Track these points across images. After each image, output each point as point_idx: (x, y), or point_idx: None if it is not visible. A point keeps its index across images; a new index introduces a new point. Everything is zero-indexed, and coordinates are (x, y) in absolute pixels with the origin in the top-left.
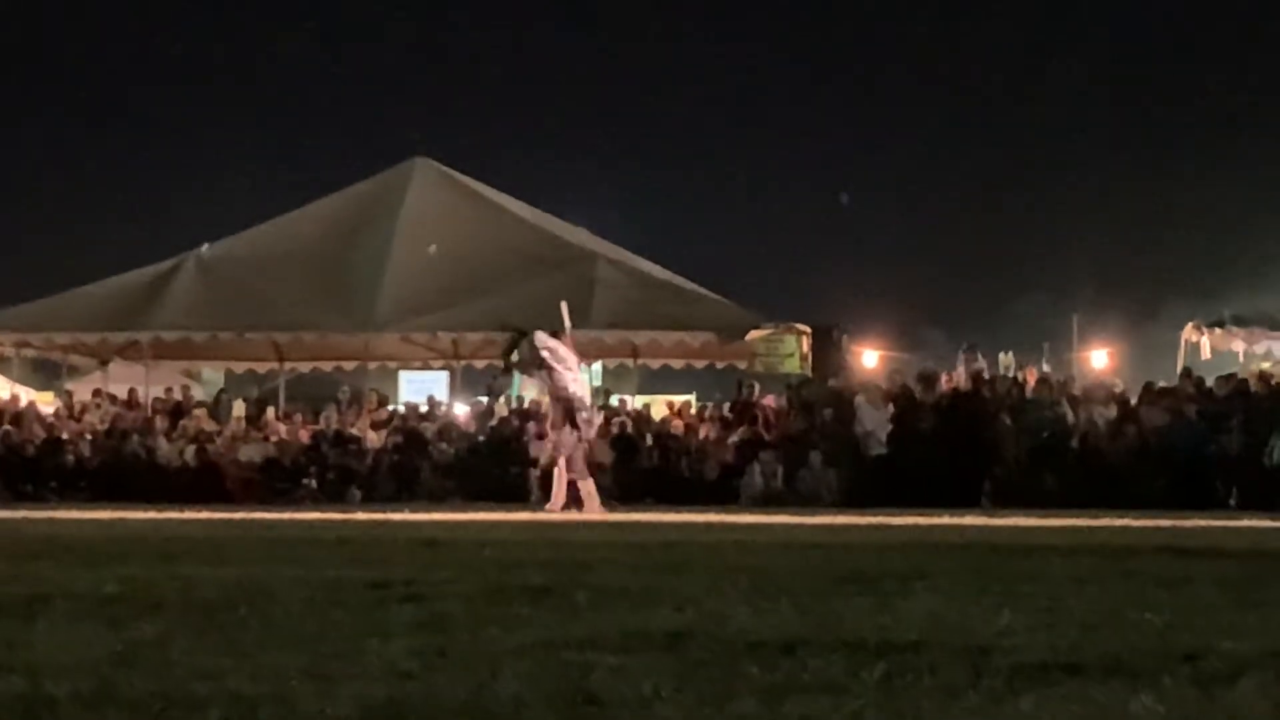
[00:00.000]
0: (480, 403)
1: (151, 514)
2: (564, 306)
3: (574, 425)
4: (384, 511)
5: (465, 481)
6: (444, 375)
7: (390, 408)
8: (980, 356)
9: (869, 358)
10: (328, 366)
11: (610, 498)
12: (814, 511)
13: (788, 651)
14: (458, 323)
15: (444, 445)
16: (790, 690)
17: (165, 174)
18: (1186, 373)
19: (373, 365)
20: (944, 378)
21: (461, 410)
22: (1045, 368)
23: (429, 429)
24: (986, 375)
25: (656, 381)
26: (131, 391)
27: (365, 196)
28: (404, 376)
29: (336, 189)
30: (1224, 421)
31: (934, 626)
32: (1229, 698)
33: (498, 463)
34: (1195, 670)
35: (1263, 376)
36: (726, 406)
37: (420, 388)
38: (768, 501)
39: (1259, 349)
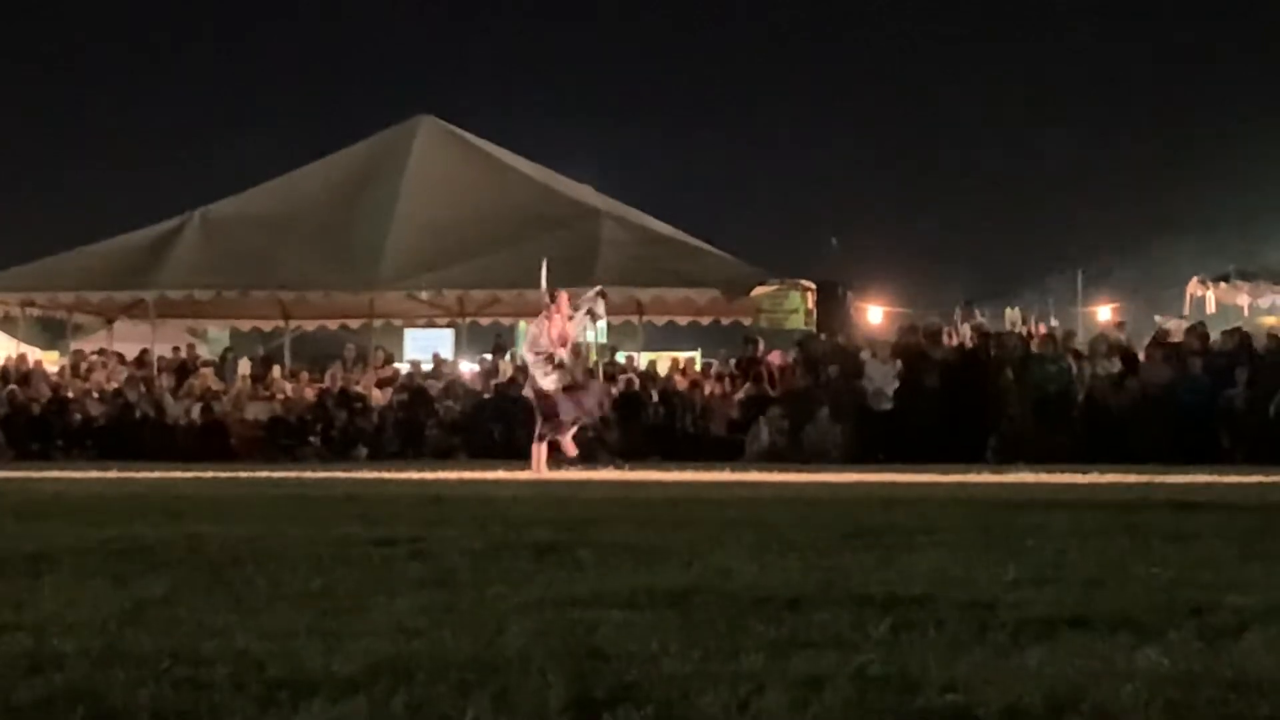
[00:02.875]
0: (486, 360)
1: (158, 472)
2: (544, 265)
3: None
4: (390, 469)
5: (470, 439)
6: (449, 333)
7: (395, 365)
8: (977, 312)
9: (874, 314)
10: (333, 325)
11: (615, 454)
12: (820, 468)
13: (793, 607)
14: (463, 280)
15: (449, 403)
16: (796, 645)
17: (170, 133)
18: (1189, 327)
19: (378, 323)
20: (947, 333)
21: (467, 368)
22: (1052, 323)
23: (434, 386)
24: (987, 330)
25: (662, 338)
26: (143, 351)
27: (369, 155)
28: (409, 334)
29: (341, 147)
30: (1229, 375)
31: (940, 581)
32: (1235, 651)
33: (503, 420)
34: (1201, 624)
35: (1270, 333)
36: (732, 363)
37: (425, 345)
38: (773, 458)
39: (1264, 302)
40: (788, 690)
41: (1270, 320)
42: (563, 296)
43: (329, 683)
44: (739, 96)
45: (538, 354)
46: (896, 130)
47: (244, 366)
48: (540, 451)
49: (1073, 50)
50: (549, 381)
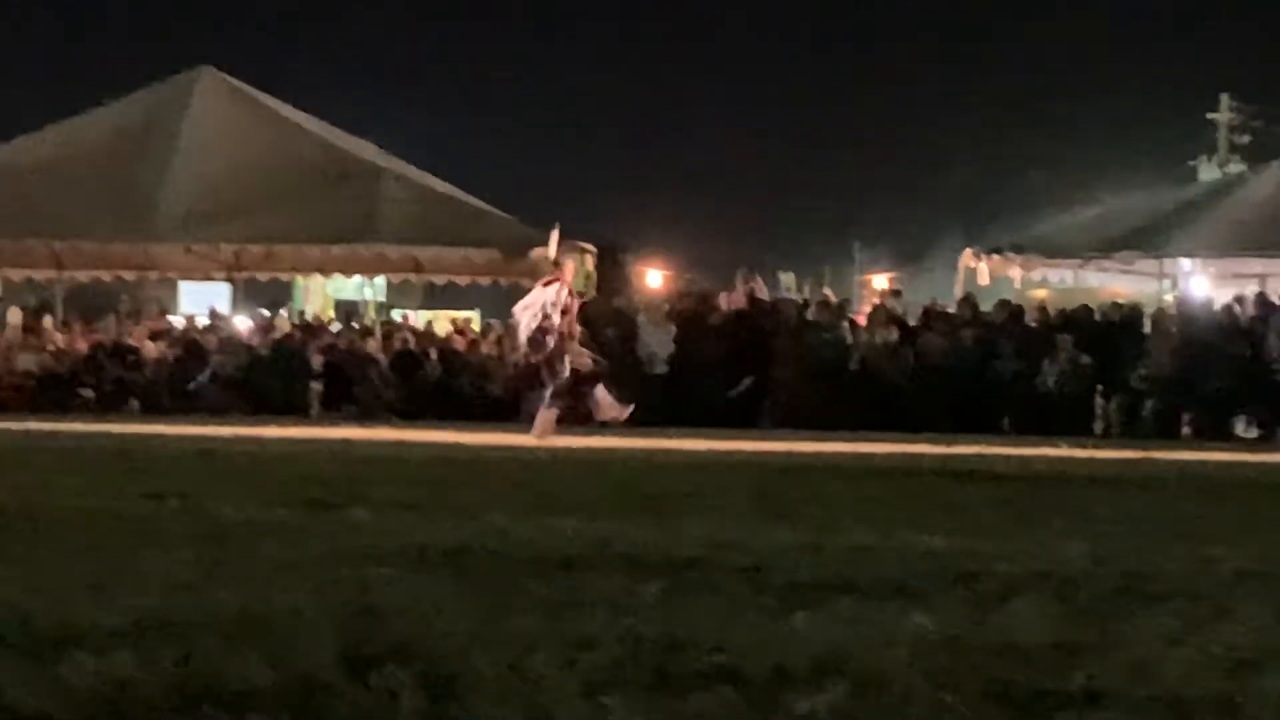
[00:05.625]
0: (262, 315)
1: None
2: (555, 231)
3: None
4: (162, 424)
5: (246, 395)
6: (225, 287)
7: (170, 319)
8: (759, 279)
9: (653, 278)
10: (108, 277)
11: (393, 413)
12: (594, 430)
13: (567, 567)
14: (241, 234)
15: (224, 358)
16: (569, 606)
17: None
18: (961, 298)
19: (153, 276)
20: (723, 299)
21: (243, 323)
22: (826, 291)
23: (210, 341)
24: (764, 297)
25: (441, 298)
26: None
27: (149, 105)
28: (184, 288)
29: (119, 97)
30: (999, 347)
31: (712, 545)
32: (1002, 617)
33: (279, 376)
34: (969, 590)
35: (1040, 306)
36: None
37: (201, 299)
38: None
39: (1035, 275)
40: (559, 650)
41: (1041, 293)
42: (569, 265)
43: (96, 635)
44: (524, 61)
45: (534, 317)
46: (680, 96)
47: (14, 316)
48: (549, 416)
49: (855, 20)
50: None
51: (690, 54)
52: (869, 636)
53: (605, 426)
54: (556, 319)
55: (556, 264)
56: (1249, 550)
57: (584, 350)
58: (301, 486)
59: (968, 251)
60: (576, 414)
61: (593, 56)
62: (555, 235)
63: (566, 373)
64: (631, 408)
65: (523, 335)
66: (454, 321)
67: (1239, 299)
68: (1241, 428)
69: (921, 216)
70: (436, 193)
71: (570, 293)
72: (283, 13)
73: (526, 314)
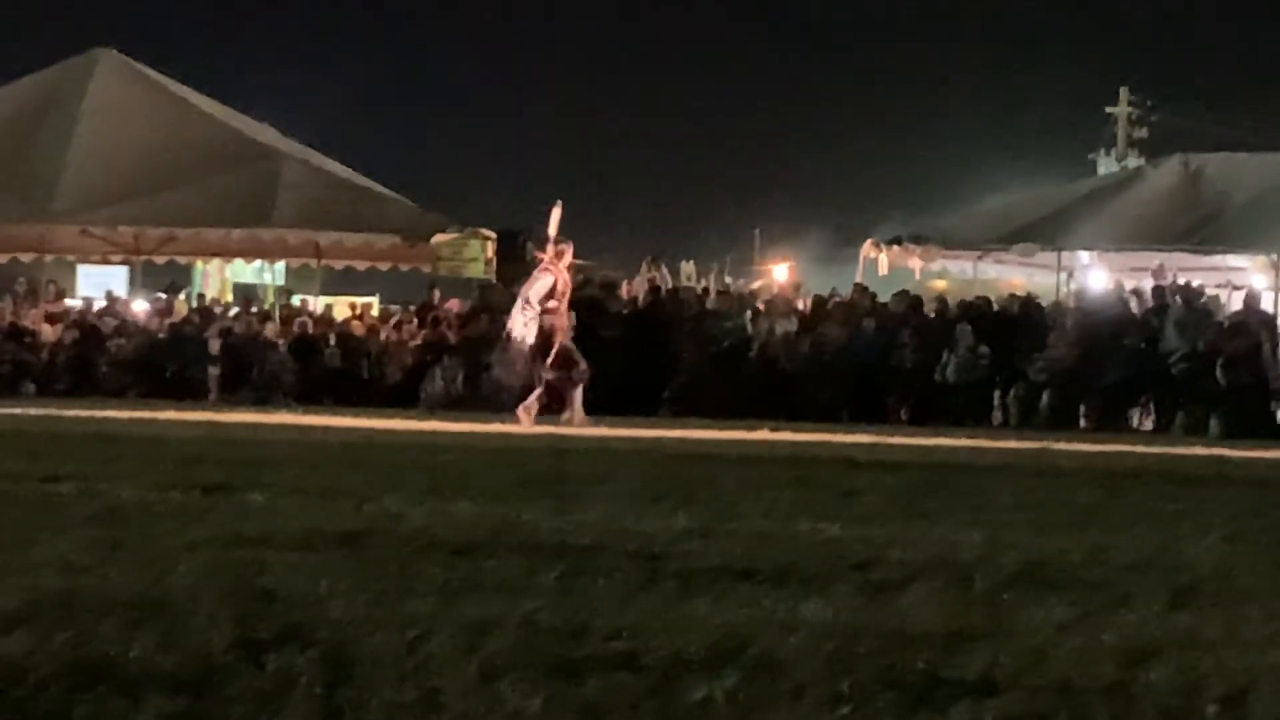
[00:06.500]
0: (160, 299)
1: None
2: (556, 211)
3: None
4: (58, 406)
5: (143, 378)
6: (123, 270)
7: (67, 302)
8: (664, 268)
9: None
10: (4, 259)
11: (290, 398)
12: (495, 416)
13: (465, 552)
14: (139, 217)
15: (122, 341)
16: (466, 590)
17: None
18: (860, 288)
19: (50, 258)
20: (624, 286)
21: (141, 306)
22: (727, 279)
23: (107, 324)
24: (667, 285)
25: (340, 283)
26: None
27: (46, 87)
28: (82, 270)
29: (14, 79)
30: (898, 337)
31: (611, 531)
32: (897, 603)
33: (177, 360)
34: (865, 578)
35: (938, 296)
36: (411, 309)
37: (98, 282)
38: (450, 405)
39: (935, 266)
40: (456, 635)
41: (940, 284)
42: (569, 247)
43: None
44: (425, 48)
45: (532, 303)
46: (579, 84)
47: None
48: (576, 398)
49: (759, 12)
50: (528, 332)
51: (595, 41)
52: (766, 623)
53: (498, 410)
54: (561, 305)
55: (557, 243)
56: (1144, 540)
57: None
58: (199, 470)
59: (868, 242)
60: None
61: (496, 42)
62: (557, 214)
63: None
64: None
65: (520, 327)
66: (353, 306)
67: (1136, 292)
68: (1138, 419)
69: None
70: (336, 177)
71: (568, 274)
72: None
73: (527, 304)
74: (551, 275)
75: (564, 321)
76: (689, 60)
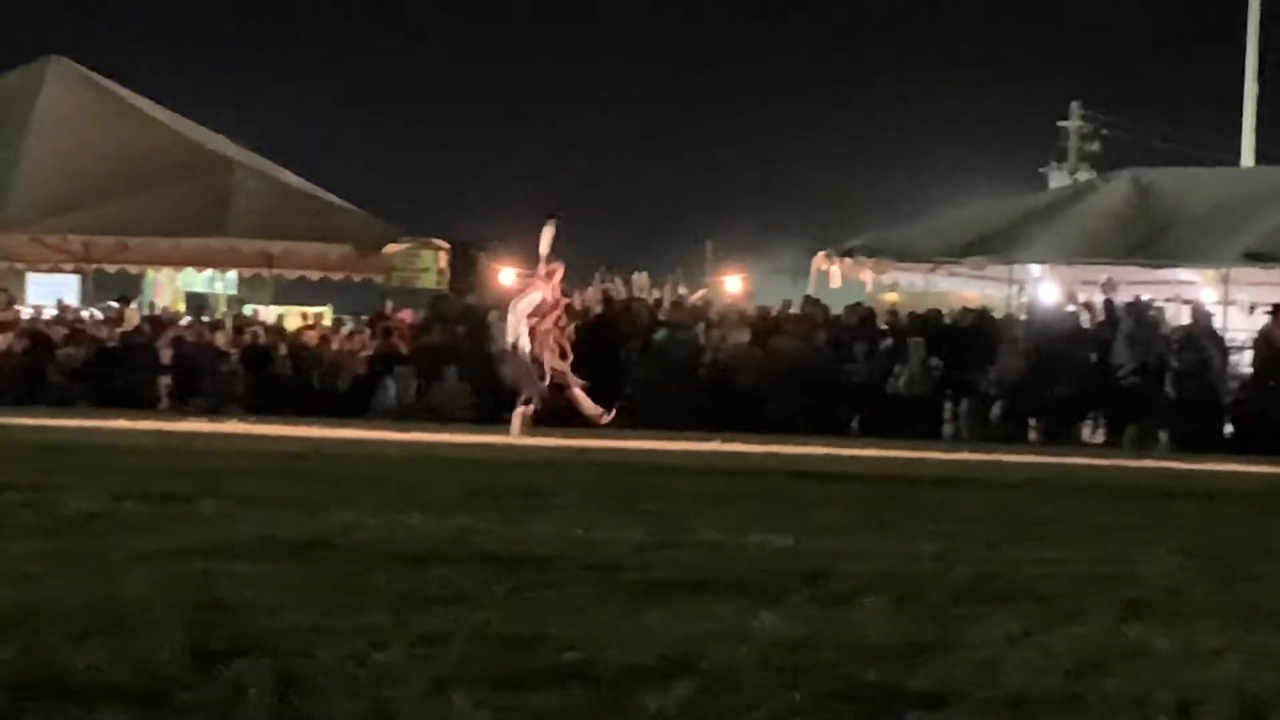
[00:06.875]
0: (111, 308)
1: None
2: (552, 226)
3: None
4: (8, 415)
5: (93, 387)
6: (75, 279)
7: (17, 310)
8: (617, 280)
9: (506, 275)
10: None
11: (243, 408)
12: (447, 427)
13: (418, 563)
14: (90, 226)
15: (72, 350)
16: (419, 601)
17: None
18: (812, 301)
19: (1, 266)
20: (577, 297)
21: (92, 315)
22: (681, 290)
23: (58, 332)
24: (620, 296)
25: (293, 292)
26: None
27: None
28: (32, 279)
29: None
30: (851, 349)
31: (564, 542)
32: (850, 615)
33: (128, 369)
34: (817, 590)
35: (891, 309)
36: (364, 320)
37: (49, 291)
38: (402, 416)
39: (887, 279)
40: (408, 646)
41: (892, 297)
42: (560, 268)
43: None
44: (380, 55)
45: (518, 314)
46: (538, 94)
47: None
48: (519, 417)
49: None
50: (524, 341)
51: (548, 49)
52: (719, 634)
53: (450, 421)
54: (548, 319)
55: (548, 262)
56: (1093, 553)
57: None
58: (150, 480)
59: (820, 254)
60: (556, 412)
61: (450, 50)
62: (549, 230)
63: (547, 373)
64: (613, 413)
65: (510, 336)
66: (305, 316)
67: (1087, 305)
68: (1088, 432)
69: (776, 219)
70: (289, 186)
71: (558, 293)
72: (136, 3)
73: (524, 314)
74: (540, 292)
75: (547, 338)
76: (645, 70)
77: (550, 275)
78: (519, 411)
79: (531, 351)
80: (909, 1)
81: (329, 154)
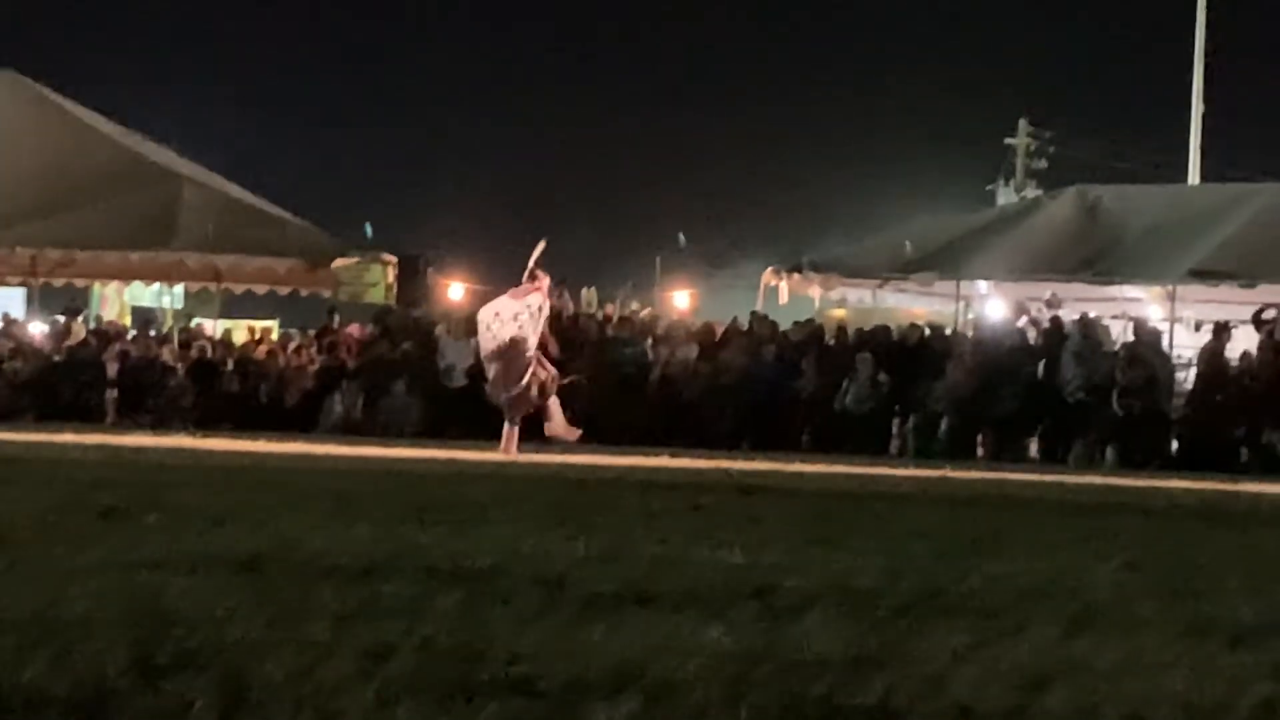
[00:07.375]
0: (57, 322)
1: None
2: (541, 245)
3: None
4: None
5: (39, 400)
6: (20, 292)
7: None
8: (566, 294)
9: (455, 290)
10: None
11: (189, 421)
12: (393, 441)
13: (363, 576)
14: (37, 239)
15: (18, 363)
16: (364, 614)
17: None
18: (760, 316)
19: None
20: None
21: (38, 328)
22: (634, 305)
23: (3, 346)
24: (570, 311)
25: (240, 306)
26: None
27: None
28: None
29: None
30: (798, 364)
31: (510, 555)
32: (796, 630)
33: (74, 382)
34: (763, 604)
35: (839, 325)
36: (311, 334)
37: None
38: (348, 430)
39: (834, 294)
40: (354, 658)
41: (839, 313)
42: (544, 279)
43: None
44: (327, 67)
45: (502, 326)
46: (485, 108)
47: None
48: (512, 433)
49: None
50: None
51: (498, 61)
52: (665, 649)
53: (397, 435)
54: (530, 331)
55: (534, 275)
56: (1040, 568)
57: (547, 364)
58: (95, 493)
59: (768, 270)
60: (527, 427)
61: (400, 62)
62: (540, 247)
63: (525, 385)
64: (580, 432)
65: (488, 345)
66: (252, 330)
67: (1033, 322)
68: (1035, 448)
69: (723, 234)
70: (236, 200)
71: (544, 305)
72: (82, 14)
73: (496, 323)
74: (539, 295)
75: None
76: (590, 85)
77: (538, 286)
78: (509, 431)
79: (516, 362)
80: (855, 19)
81: (276, 167)
